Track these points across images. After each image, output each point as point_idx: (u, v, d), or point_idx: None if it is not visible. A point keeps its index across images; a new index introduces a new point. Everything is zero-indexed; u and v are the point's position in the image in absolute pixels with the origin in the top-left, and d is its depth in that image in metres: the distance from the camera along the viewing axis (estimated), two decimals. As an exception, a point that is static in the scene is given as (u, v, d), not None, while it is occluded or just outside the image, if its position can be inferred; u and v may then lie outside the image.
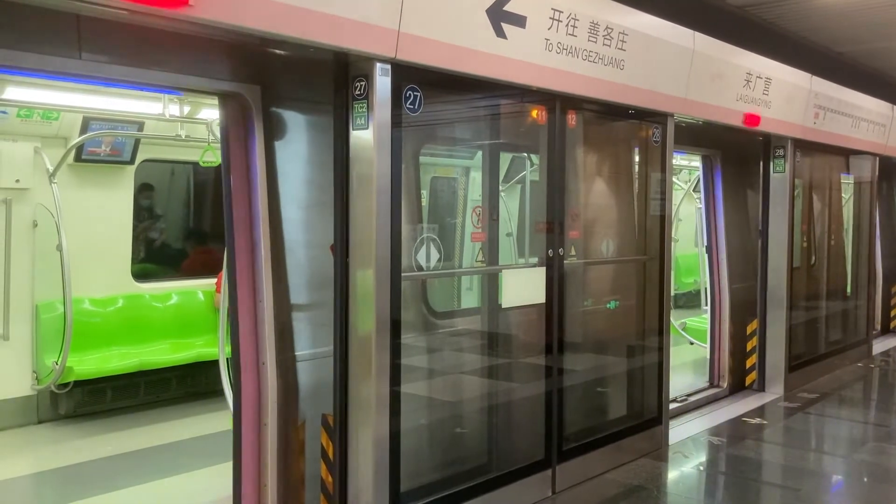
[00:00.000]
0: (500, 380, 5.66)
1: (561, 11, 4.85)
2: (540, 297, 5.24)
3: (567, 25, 4.93)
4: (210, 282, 8.12)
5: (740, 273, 8.33)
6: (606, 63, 5.34)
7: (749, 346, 8.32)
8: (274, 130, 4.33)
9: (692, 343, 9.49)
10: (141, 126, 7.19)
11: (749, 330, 8.31)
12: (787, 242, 8.20)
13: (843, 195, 10.56)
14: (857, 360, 9.99)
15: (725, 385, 8.17)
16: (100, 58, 3.58)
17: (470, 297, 8.14)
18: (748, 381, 8.32)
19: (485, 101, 5.07)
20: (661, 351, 6.36)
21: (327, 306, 4.25)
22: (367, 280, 4.08)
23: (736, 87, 6.89)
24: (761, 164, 8.25)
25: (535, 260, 5.51)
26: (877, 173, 10.66)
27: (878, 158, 10.51)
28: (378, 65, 3.97)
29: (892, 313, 12.28)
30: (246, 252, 4.26)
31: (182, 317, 7.94)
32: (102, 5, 3.06)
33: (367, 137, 4.03)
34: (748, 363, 8.31)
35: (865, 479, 5.97)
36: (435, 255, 4.70)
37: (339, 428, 4.22)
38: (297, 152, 4.50)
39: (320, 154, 4.37)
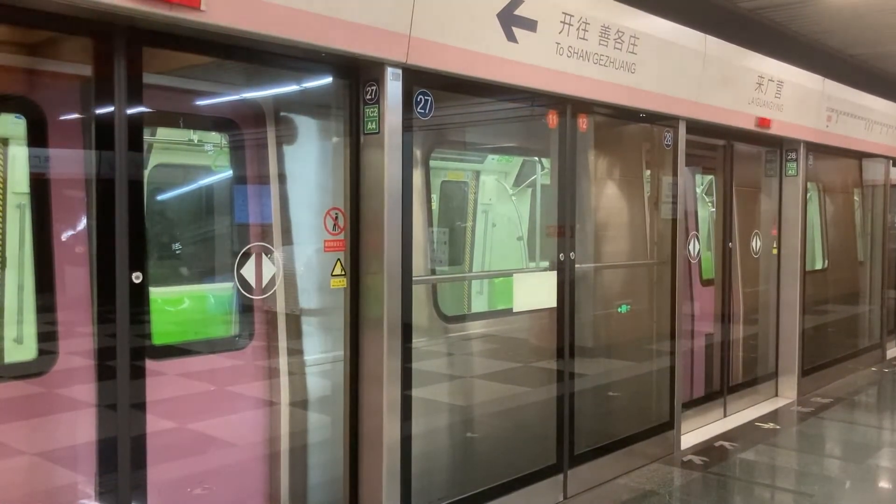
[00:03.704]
0: (511, 384, 5.65)
1: (572, 15, 4.85)
2: (551, 302, 5.23)
3: (578, 29, 4.92)
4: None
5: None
6: (617, 67, 5.33)
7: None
8: (286, 135, 4.34)
9: None
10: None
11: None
12: (800, 246, 8.16)
13: (855, 198, 10.50)
14: (871, 365, 9.92)
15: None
16: None
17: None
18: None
19: (495, 104, 5.06)
20: (673, 355, 6.33)
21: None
22: (377, 284, 4.08)
23: (748, 91, 6.86)
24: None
25: (545, 264, 5.50)
26: (890, 176, 10.60)
27: (890, 161, 10.44)
28: (389, 69, 3.98)
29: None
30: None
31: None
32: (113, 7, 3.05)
33: (377, 142, 4.04)
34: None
35: (881, 485, 5.92)
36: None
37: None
38: (306, 157, 4.51)
39: (330, 158, 4.38)
